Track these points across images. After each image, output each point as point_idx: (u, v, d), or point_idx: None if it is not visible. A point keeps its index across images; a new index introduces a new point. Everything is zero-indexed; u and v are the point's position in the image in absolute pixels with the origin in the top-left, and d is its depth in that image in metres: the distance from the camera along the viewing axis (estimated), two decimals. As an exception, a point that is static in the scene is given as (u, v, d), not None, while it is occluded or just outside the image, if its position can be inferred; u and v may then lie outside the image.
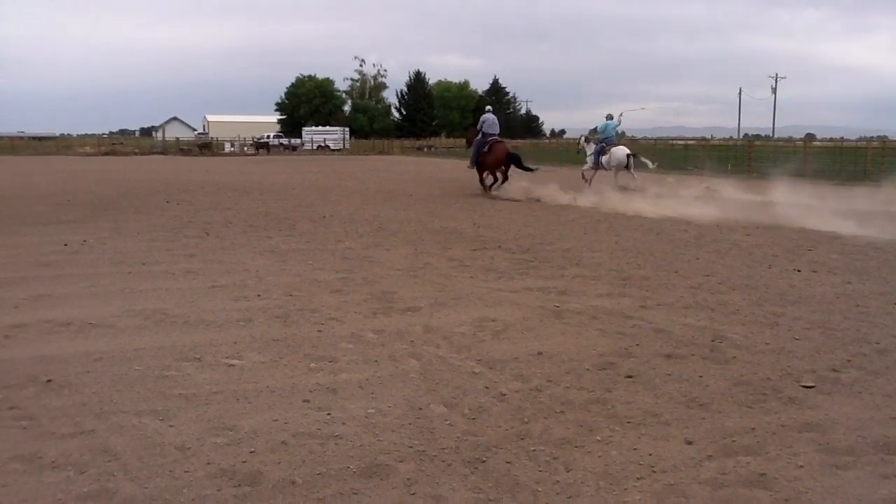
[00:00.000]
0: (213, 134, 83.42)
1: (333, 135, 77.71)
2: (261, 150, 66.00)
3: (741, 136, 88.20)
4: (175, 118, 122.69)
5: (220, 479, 3.61)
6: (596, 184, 21.16)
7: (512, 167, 20.25)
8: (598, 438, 4.12)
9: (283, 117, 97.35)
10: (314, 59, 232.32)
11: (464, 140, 28.51)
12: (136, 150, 67.34)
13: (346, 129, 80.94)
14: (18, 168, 34.94)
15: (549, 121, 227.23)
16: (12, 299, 7.35)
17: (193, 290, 7.82)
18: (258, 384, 4.98)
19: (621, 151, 21.24)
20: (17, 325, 6.41)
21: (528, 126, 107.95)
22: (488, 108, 22.57)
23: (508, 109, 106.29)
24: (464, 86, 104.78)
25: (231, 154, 65.40)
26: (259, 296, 7.57)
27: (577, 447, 4.01)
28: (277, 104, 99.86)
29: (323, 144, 74.82)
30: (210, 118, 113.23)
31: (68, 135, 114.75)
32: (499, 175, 20.46)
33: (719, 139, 69.27)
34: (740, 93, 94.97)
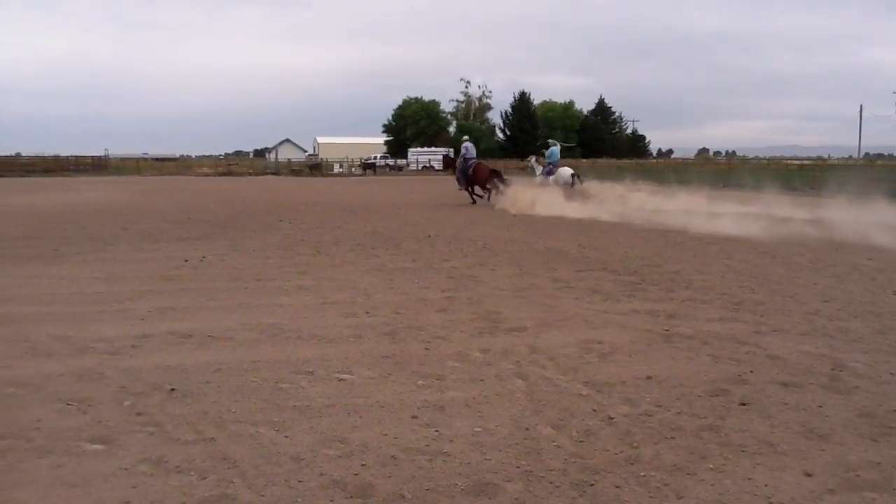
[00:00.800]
0: (323, 155, 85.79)
1: (438, 155, 78.71)
2: (368, 171, 67.48)
3: (861, 156, 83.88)
4: (287, 140, 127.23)
5: (332, 489, 3.72)
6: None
7: (496, 180, 24.56)
8: (711, 466, 4.01)
9: (390, 138, 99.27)
10: (421, 81, 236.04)
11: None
12: (251, 171, 70.09)
13: (451, 149, 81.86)
14: (143, 187, 36.97)
15: (656, 140, 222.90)
16: (139, 311, 7.79)
17: (306, 306, 8.08)
18: (368, 399, 5.09)
19: (567, 172, 25.66)
20: (144, 335, 6.79)
21: (634, 146, 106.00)
22: (465, 137, 27.94)
23: (614, 129, 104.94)
24: (568, 106, 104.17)
25: (340, 174, 67.19)
26: (368, 313, 7.75)
27: (688, 474, 3.91)
28: (384, 126, 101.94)
29: (428, 165, 75.88)
30: (320, 140, 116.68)
31: (188, 156, 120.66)
32: (490, 187, 24.53)
33: (837, 158, 66.11)
34: (861, 109, 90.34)
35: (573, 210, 20.39)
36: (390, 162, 79.48)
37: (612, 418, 4.74)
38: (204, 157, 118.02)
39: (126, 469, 3.98)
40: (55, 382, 5.47)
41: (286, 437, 4.41)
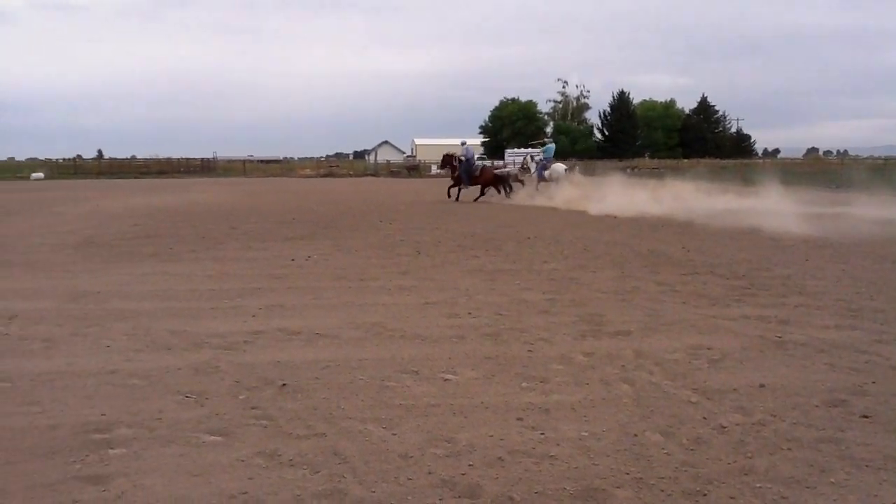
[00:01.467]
0: (420, 157, 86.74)
1: (536, 156, 78.23)
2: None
3: None
4: (386, 142, 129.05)
5: (441, 489, 3.75)
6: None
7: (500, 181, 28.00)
8: (832, 480, 3.84)
9: (487, 139, 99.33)
10: (518, 82, 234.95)
11: (649, 161, 34.54)
12: (351, 173, 71.57)
13: (538, 149, 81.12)
14: (249, 189, 38.24)
15: (762, 139, 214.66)
16: (250, 308, 8.07)
17: (408, 306, 8.19)
18: (472, 400, 5.12)
19: (560, 167, 29.56)
20: (255, 331, 7.04)
21: (739, 145, 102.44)
22: (464, 141, 30.61)
23: (717, 128, 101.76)
24: (669, 105, 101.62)
25: (437, 176, 67.76)
26: (470, 314, 7.78)
27: (807, 488, 3.76)
28: (481, 127, 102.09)
29: (524, 166, 75.56)
30: (418, 141, 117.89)
31: (290, 158, 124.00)
32: (499, 187, 27.98)
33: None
34: None
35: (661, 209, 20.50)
36: (487, 163, 79.51)
37: (724, 427, 4.60)
38: (306, 158, 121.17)
39: (243, 461, 4.13)
40: (174, 375, 5.73)
41: (394, 434, 4.49)
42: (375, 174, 69.53)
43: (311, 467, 4.03)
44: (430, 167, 73.49)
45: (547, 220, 19.21)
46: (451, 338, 6.80)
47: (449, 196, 28.05)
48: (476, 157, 29.43)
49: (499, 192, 27.87)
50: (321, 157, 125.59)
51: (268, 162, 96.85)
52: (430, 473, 3.93)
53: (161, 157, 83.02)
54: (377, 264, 11.34)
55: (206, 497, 3.70)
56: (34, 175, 63.32)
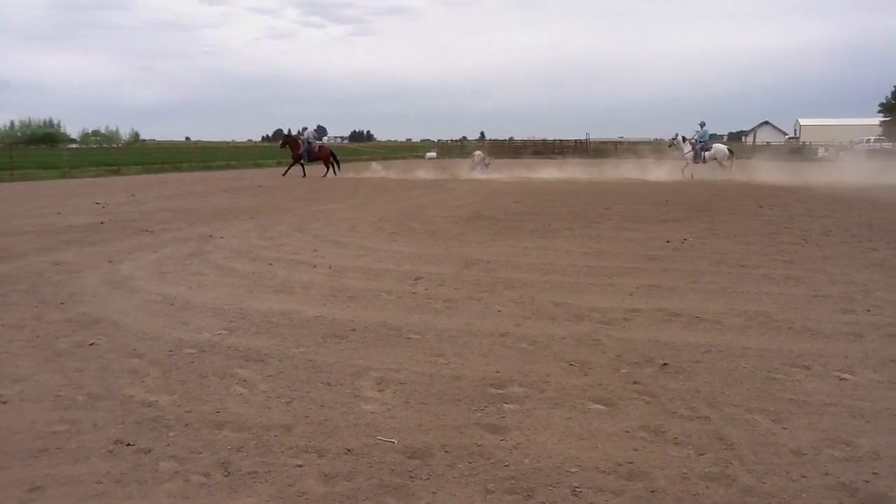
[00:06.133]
0: (805, 138, 79.72)
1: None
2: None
3: None
4: (766, 122, 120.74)
5: (840, 492, 3.50)
6: None
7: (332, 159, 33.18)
8: None
9: (887, 119, 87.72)
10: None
11: None
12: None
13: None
14: (619, 170, 38.28)
15: None
16: (627, 286, 8.20)
17: (795, 297, 7.66)
18: (875, 404, 4.66)
19: (724, 147, 30.74)
20: (633, 309, 7.14)
21: None
22: (305, 127, 35.02)
23: None
24: None
25: (823, 159, 61.76)
26: (868, 311, 7.06)
27: None
28: (881, 105, 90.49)
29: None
30: (802, 122, 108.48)
31: (661, 139, 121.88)
32: (328, 166, 33.11)
33: None
34: None
35: None
36: (888, 145, 70.03)
37: None
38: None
39: (627, 432, 4.26)
40: (558, 343, 6.06)
41: (784, 428, 4.27)
42: (752, 157, 65.39)
43: (696, 448, 4.01)
44: (816, 150, 67.30)
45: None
46: (847, 335, 6.23)
47: (284, 175, 33.16)
48: (314, 135, 34.99)
49: (327, 168, 33.09)
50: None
51: (637, 143, 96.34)
52: (826, 474, 3.68)
53: (537, 138, 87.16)
54: (758, 251, 10.74)
55: (594, 460, 3.89)
56: (428, 154, 70.75)
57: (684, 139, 32.40)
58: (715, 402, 4.72)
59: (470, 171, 36.54)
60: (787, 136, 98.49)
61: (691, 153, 31.38)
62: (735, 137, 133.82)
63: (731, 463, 3.83)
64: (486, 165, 37.61)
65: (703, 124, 31.93)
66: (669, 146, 35.10)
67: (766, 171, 32.45)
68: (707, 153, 30.40)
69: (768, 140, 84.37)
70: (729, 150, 30.23)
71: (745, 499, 3.47)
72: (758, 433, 4.21)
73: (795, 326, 6.50)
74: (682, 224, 14.24)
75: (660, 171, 32.24)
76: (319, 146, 34.73)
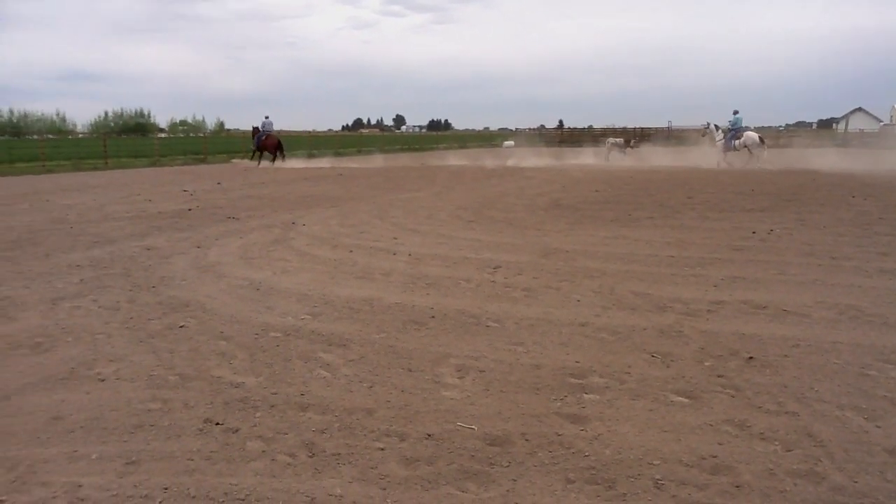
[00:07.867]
0: (902, 125, 75.71)
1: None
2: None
3: None
4: (859, 109, 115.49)
5: (938, 494, 3.36)
6: None
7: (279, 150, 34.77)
8: None
9: None
10: None
11: None
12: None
13: None
14: (704, 159, 37.29)
15: None
16: (711, 277, 8.02)
17: (890, 291, 7.36)
18: (977, 404, 4.45)
19: (754, 135, 30.08)
20: (718, 301, 6.98)
21: None
22: (267, 116, 35.85)
23: None
24: None
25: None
26: (971, 307, 6.71)
27: None
28: None
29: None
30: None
31: (746, 127, 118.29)
32: (277, 154, 34.76)
33: None
34: None
35: None
36: None
37: None
38: (760, 128, 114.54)
39: (711, 425, 4.18)
40: (640, 334, 5.99)
41: (878, 427, 4.12)
42: (843, 145, 62.74)
43: (783, 444, 3.91)
44: (913, 137, 64.01)
45: None
46: (947, 331, 5.96)
47: (258, 165, 34.55)
48: (271, 126, 36.14)
49: (273, 156, 34.73)
50: (779, 127, 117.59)
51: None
52: (924, 476, 3.54)
53: (616, 126, 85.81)
54: (850, 242, 10.34)
55: (677, 453, 3.84)
56: (506, 143, 70.54)
57: (717, 127, 32.42)
58: (803, 397, 4.58)
59: (606, 156, 37.47)
60: (881, 123, 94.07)
61: (722, 141, 31.44)
62: (825, 124, 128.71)
63: (820, 460, 3.72)
64: (624, 153, 37.52)
65: (736, 112, 31.59)
66: (703, 135, 35.27)
67: (858, 159, 31.11)
68: (737, 141, 30.46)
69: (861, 127, 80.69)
70: (760, 138, 30.05)
71: (836, 497, 3.37)
72: (849, 431, 4.08)
73: (890, 321, 6.25)
74: (768, 214, 13.81)
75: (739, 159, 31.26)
76: (266, 135, 35.61)
